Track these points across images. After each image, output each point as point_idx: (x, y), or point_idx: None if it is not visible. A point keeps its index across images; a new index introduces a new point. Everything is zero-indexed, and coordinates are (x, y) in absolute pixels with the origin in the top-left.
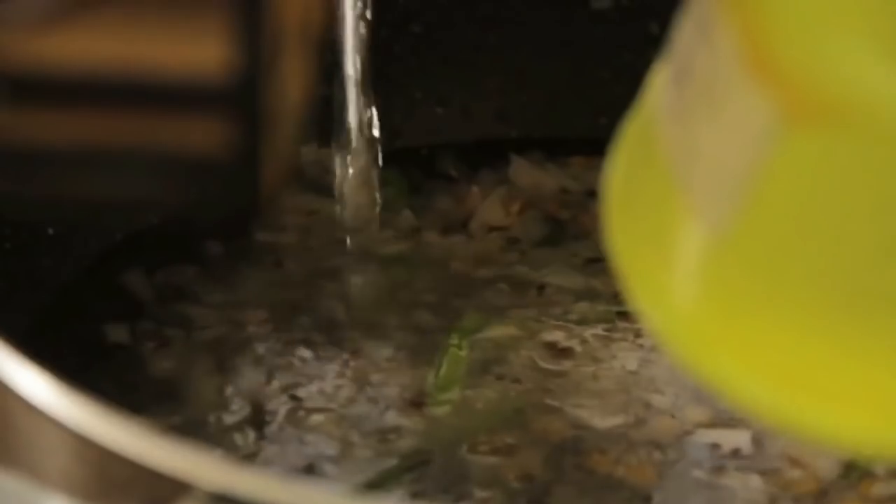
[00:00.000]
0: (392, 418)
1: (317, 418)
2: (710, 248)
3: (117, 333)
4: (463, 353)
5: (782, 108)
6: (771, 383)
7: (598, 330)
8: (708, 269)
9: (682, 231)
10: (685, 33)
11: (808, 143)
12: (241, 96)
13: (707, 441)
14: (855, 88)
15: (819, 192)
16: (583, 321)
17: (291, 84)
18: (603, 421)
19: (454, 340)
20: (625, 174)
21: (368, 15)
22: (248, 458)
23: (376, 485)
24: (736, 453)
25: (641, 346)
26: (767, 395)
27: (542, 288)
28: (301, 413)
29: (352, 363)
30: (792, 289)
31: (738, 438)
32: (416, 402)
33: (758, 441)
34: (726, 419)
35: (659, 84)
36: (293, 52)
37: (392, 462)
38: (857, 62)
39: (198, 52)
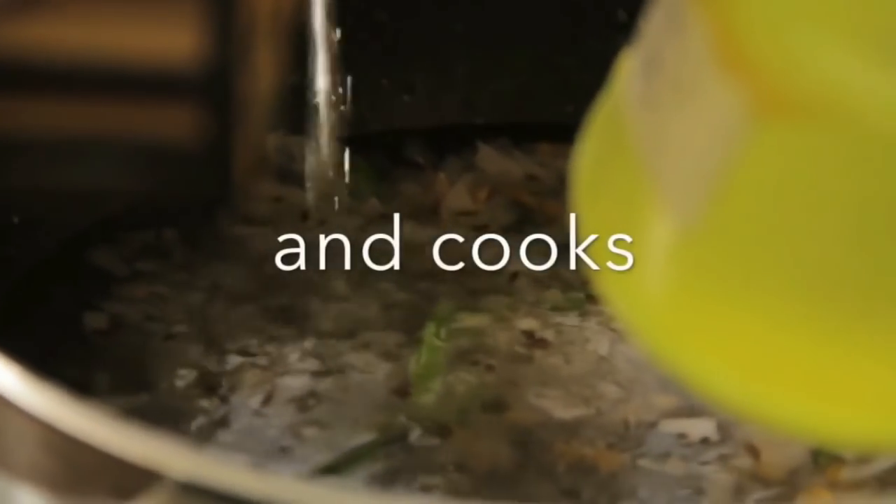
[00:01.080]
0: (366, 404)
1: (286, 402)
2: (680, 238)
3: (84, 321)
4: (441, 342)
5: (753, 101)
6: (739, 374)
7: (570, 317)
8: (677, 260)
9: (652, 221)
10: (655, 22)
11: (778, 136)
12: (214, 85)
13: (674, 430)
14: (827, 83)
15: (790, 185)
16: (554, 308)
17: (262, 72)
18: (568, 411)
19: (431, 329)
20: (593, 162)
21: (335, 2)
22: (217, 442)
23: (340, 467)
24: (704, 442)
25: (614, 330)
26: (735, 386)
27: (512, 275)
28: (273, 396)
29: (323, 349)
30: (761, 281)
31: (704, 427)
32: (401, 391)
33: (724, 429)
34: (693, 407)
35: (628, 72)
36: (264, 40)
37: (360, 442)
38: (829, 56)
39: (169, 39)
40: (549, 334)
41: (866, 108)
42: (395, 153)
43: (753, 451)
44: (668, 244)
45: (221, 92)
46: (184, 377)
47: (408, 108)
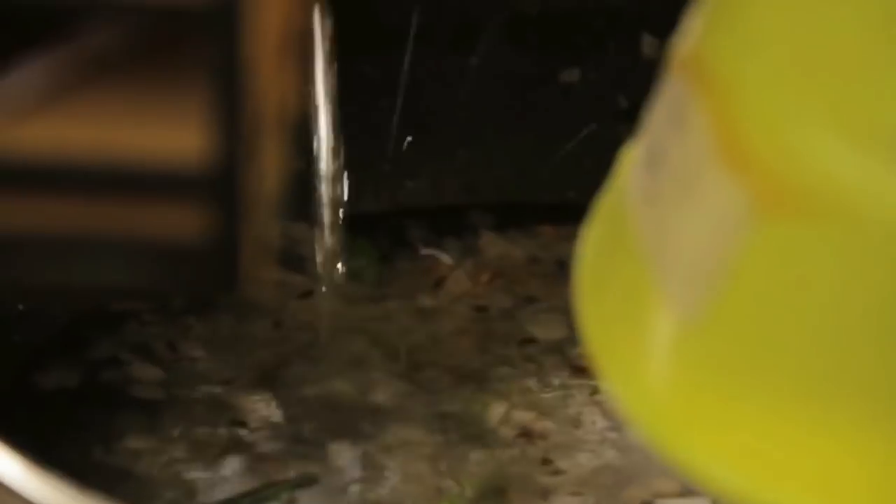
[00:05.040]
0: None
1: None
2: (682, 331)
3: (86, 408)
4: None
5: (755, 197)
6: (740, 466)
7: (576, 394)
8: (679, 353)
9: (654, 313)
10: (658, 116)
11: (781, 232)
12: (221, 183)
13: None
14: (828, 178)
15: (793, 281)
16: (562, 387)
17: (269, 166)
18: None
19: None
20: (596, 252)
21: (337, 91)
22: None
23: None
24: None
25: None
26: (736, 478)
27: (519, 355)
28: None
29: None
30: (762, 374)
31: None
32: None
33: None
34: (692, 489)
35: (630, 164)
36: (271, 133)
37: None
38: (829, 152)
39: (177, 138)
40: (554, 412)
41: (868, 204)
42: (397, 236)
43: None
44: (671, 336)
45: (229, 190)
46: (181, 460)
47: (410, 194)
